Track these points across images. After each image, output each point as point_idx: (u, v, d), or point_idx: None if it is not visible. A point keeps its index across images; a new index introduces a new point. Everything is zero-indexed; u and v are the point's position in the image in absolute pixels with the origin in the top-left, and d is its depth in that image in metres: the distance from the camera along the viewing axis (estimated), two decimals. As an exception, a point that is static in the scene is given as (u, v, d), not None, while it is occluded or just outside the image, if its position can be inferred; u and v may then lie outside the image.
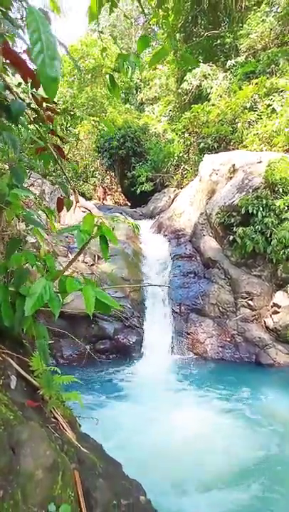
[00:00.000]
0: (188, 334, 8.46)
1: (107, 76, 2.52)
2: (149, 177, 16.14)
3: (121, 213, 13.55)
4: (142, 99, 23.07)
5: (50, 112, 2.96)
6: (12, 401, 1.81)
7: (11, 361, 2.07)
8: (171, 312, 8.78)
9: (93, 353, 7.85)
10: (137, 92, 24.09)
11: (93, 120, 17.95)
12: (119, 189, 20.30)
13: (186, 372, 7.31)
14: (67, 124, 17.35)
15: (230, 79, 15.43)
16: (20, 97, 2.56)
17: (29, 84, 2.24)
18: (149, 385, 6.60)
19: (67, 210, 2.74)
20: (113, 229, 2.38)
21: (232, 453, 4.53)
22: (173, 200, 13.81)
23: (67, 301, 7.96)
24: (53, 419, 2.10)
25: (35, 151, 2.41)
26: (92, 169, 20.83)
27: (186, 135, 15.28)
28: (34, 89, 2.90)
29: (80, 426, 2.35)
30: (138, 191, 15.99)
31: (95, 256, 9.70)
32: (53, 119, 2.96)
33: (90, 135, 18.91)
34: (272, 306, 8.27)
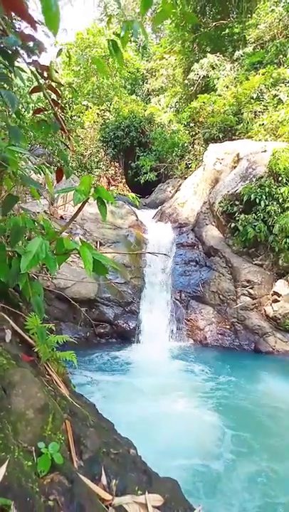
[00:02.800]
0: (188, 321, 8.50)
1: (109, 42, 2.51)
2: (153, 167, 16.11)
3: (124, 202, 13.55)
4: (148, 89, 22.91)
5: (51, 81, 2.97)
6: (6, 351, 1.84)
7: (6, 317, 2.10)
8: (172, 299, 8.81)
9: (93, 337, 7.92)
10: (143, 83, 23.94)
11: (98, 109, 17.88)
12: (123, 180, 20.26)
13: (185, 358, 7.35)
14: (71, 112, 17.31)
15: (238, 69, 15.32)
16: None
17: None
18: (147, 367, 6.65)
19: (66, 178, 2.75)
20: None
21: (218, 427, 4.58)
22: (177, 190, 13.78)
23: (68, 285, 8.02)
24: (47, 376, 2.13)
25: (34, 111, 2.41)
26: (96, 160, 20.81)
27: (192, 125, 15.21)
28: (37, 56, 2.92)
29: (74, 387, 2.38)
30: (142, 181, 15.96)
31: (96, 242, 9.73)
32: (54, 88, 2.98)
33: (95, 125, 18.84)
34: (272, 295, 8.28)
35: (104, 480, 1.59)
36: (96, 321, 8.13)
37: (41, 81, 2.89)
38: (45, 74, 2.87)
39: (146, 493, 1.56)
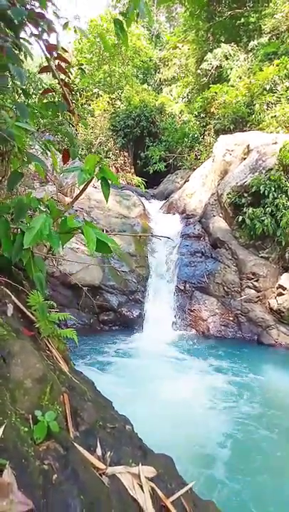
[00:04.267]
0: (192, 311, 8.51)
1: (115, 21, 2.49)
2: (163, 157, 16.02)
3: (132, 192, 13.52)
4: (160, 79, 22.69)
5: (60, 61, 2.96)
6: (7, 324, 1.87)
7: (9, 292, 2.12)
8: (176, 289, 8.83)
9: (97, 324, 7.99)
10: (155, 73, 23.69)
11: (109, 98, 17.75)
12: (132, 170, 20.19)
13: (187, 347, 7.40)
14: (82, 99, 17.23)
15: (252, 60, 15.08)
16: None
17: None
18: (148, 355, 6.71)
19: (73, 159, 2.76)
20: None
21: (215, 415, 4.63)
22: (185, 181, 13.71)
23: (73, 272, 8.06)
24: (48, 351, 2.16)
25: (43, 92, 2.41)
26: (106, 149, 20.74)
27: (203, 116, 15.05)
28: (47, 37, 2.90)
29: (74, 364, 2.41)
30: (151, 171, 15.89)
31: (102, 230, 9.74)
32: (64, 69, 2.96)
33: (105, 113, 18.74)
34: (277, 288, 8.25)
35: (99, 451, 1.62)
36: (100, 308, 8.19)
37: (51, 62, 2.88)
38: (54, 54, 2.86)
39: (140, 465, 1.59)
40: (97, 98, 18.16)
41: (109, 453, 1.62)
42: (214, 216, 10.05)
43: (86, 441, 1.64)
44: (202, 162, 13.76)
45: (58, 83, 2.85)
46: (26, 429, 1.41)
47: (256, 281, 8.49)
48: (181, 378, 5.71)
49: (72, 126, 2.96)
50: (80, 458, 1.44)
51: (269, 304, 8.29)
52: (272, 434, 4.45)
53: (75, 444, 1.52)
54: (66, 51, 2.82)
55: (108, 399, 2.31)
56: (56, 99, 2.87)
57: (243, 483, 3.52)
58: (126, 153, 19.87)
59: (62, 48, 2.71)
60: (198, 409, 4.82)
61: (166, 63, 22.44)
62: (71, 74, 3.17)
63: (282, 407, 5.20)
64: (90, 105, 17.94)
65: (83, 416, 1.74)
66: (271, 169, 8.72)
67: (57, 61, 2.92)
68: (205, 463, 3.81)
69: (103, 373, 5.69)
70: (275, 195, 8.38)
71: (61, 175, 11.39)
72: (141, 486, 1.47)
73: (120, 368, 6.04)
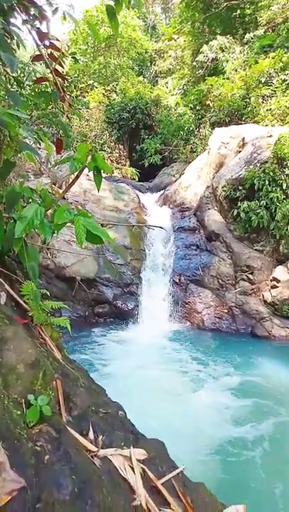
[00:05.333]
0: (186, 304, 8.56)
1: (107, 7, 2.47)
2: (158, 150, 15.96)
3: (128, 185, 13.48)
4: (155, 71, 22.51)
5: (52, 50, 2.94)
6: (0, 312, 1.88)
7: (2, 280, 2.13)
8: (171, 282, 8.86)
9: (92, 316, 8.01)
10: (151, 65, 23.50)
11: (104, 89, 17.61)
12: (128, 163, 20.10)
13: (181, 339, 7.45)
14: (76, 91, 17.07)
15: (247, 53, 15.00)
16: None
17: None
18: (143, 347, 6.76)
19: (66, 149, 2.75)
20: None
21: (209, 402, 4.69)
22: (181, 174, 13.69)
23: (68, 264, 8.06)
24: (41, 339, 2.18)
25: (36, 81, 2.40)
26: (101, 141, 20.61)
27: (198, 108, 15.00)
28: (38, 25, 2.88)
29: (67, 352, 2.43)
30: (146, 164, 15.83)
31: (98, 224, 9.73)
32: (56, 57, 2.95)
33: (101, 105, 18.59)
34: (271, 281, 8.31)
35: (91, 435, 1.64)
36: (95, 300, 8.21)
37: (43, 50, 2.86)
38: (47, 42, 2.85)
39: (132, 448, 1.62)
40: (92, 90, 18.01)
41: (101, 436, 1.65)
42: (209, 209, 10.07)
43: (79, 425, 1.67)
44: (197, 155, 13.74)
45: (51, 72, 2.83)
46: (19, 412, 1.43)
47: (251, 273, 8.55)
48: (175, 370, 5.76)
49: (67, 117, 2.94)
50: (72, 440, 1.47)
51: (263, 296, 8.36)
52: (261, 420, 4.54)
53: (67, 427, 1.54)
54: (58, 40, 2.80)
55: (101, 386, 2.34)
56: (49, 89, 2.85)
57: (236, 466, 3.59)
58: (121, 146, 19.77)
59: (56, 38, 2.69)
60: (189, 400, 4.87)
61: (162, 55, 22.26)
62: (64, 63, 3.15)
63: (273, 396, 5.27)
64: (85, 97, 17.78)
65: (76, 401, 1.77)
66: (266, 162, 8.73)
67: (49, 50, 2.91)
68: (194, 448, 3.88)
69: (97, 363, 5.73)
70: (270, 189, 8.40)
71: (56, 167, 11.34)
72: (132, 468, 1.50)
73: (114, 358, 6.09)
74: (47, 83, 2.77)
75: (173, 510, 1.42)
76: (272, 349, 7.26)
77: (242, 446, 3.99)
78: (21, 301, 2.24)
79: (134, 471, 1.47)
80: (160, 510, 1.38)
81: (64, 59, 3.35)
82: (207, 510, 1.56)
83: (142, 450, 1.63)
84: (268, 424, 4.50)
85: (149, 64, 23.37)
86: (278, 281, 8.14)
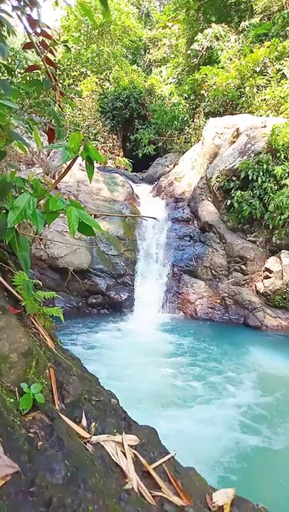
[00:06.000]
0: (180, 294, 8.62)
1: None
2: (152, 141, 15.86)
3: (121, 175, 13.42)
4: (149, 60, 22.25)
5: (44, 37, 2.90)
6: (-7, 301, 1.89)
7: (-6, 270, 2.13)
8: (164, 272, 8.90)
9: (85, 307, 8.04)
10: (145, 53, 23.21)
11: (97, 78, 17.38)
12: (121, 153, 19.96)
13: (174, 329, 7.52)
14: (69, 79, 16.82)
15: (243, 41, 14.88)
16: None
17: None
18: (136, 337, 6.81)
19: (58, 139, 2.73)
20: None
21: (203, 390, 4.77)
22: (175, 165, 13.65)
23: (61, 255, 8.05)
24: (34, 329, 2.19)
25: (27, 69, 2.37)
26: (94, 131, 20.42)
27: (192, 98, 14.89)
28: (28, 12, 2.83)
29: (60, 342, 2.45)
30: (140, 155, 15.74)
31: (91, 215, 9.70)
32: (47, 45, 2.90)
33: (94, 94, 18.36)
34: (264, 271, 8.38)
35: (84, 422, 1.67)
36: (88, 291, 8.23)
37: (34, 38, 2.82)
38: (38, 30, 2.80)
39: (124, 434, 1.65)
40: (84, 78, 17.76)
41: (94, 423, 1.68)
42: (203, 200, 10.07)
43: (72, 413, 1.69)
44: (192, 145, 13.69)
45: (42, 60, 2.79)
46: (12, 400, 1.45)
47: (243, 264, 8.61)
48: (167, 358, 5.84)
49: (59, 106, 2.91)
50: (65, 427, 1.49)
51: (256, 286, 8.44)
52: (251, 405, 4.65)
53: (60, 414, 1.57)
54: (49, 28, 2.76)
55: (94, 375, 2.37)
56: (41, 77, 2.82)
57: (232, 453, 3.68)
58: (115, 136, 19.60)
59: (47, 26, 2.65)
60: (182, 388, 4.95)
61: (156, 43, 21.99)
62: (56, 51, 3.11)
63: (264, 383, 5.38)
64: (77, 86, 17.55)
65: (69, 389, 1.79)
66: (260, 153, 8.74)
67: (41, 37, 2.86)
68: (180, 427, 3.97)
69: (91, 353, 5.78)
70: (264, 179, 8.42)
71: (48, 157, 11.23)
72: (124, 453, 1.53)
73: (107, 348, 6.14)
74: (38, 71, 2.74)
75: (164, 493, 1.45)
76: (265, 339, 7.36)
77: (228, 423, 4.12)
78: (14, 291, 2.25)
79: (126, 457, 1.51)
80: (151, 493, 1.41)
81: (56, 47, 3.31)
82: (197, 493, 1.60)
83: (134, 436, 1.66)
84: (257, 405, 4.62)
85: (143, 52, 23.08)
86: (271, 271, 8.21)
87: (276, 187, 8.39)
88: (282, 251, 8.33)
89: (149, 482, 1.54)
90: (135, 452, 1.59)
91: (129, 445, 1.59)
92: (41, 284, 3.04)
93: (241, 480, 3.34)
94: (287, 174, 8.34)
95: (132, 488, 1.40)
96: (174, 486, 1.57)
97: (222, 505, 1.58)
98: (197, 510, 1.46)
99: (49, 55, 2.92)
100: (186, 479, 1.69)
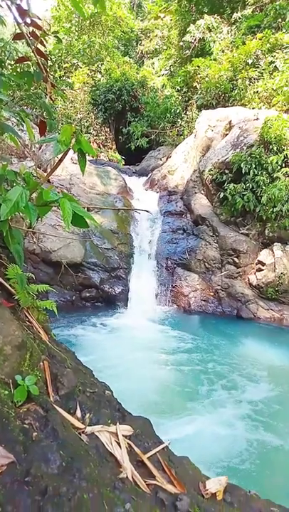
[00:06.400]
0: (173, 287, 8.65)
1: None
2: (145, 133, 15.77)
3: (114, 168, 13.35)
4: (141, 51, 22.03)
5: (34, 28, 2.86)
6: (-14, 295, 1.88)
7: (-13, 264, 2.13)
8: (158, 266, 8.92)
9: (79, 301, 8.04)
10: (137, 44, 22.97)
11: (89, 70, 17.18)
12: (114, 146, 19.84)
13: (168, 322, 7.56)
14: (60, 71, 16.62)
15: (235, 33, 14.79)
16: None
17: None
18: (130, 330, 6.84)
19: (50, 131, 2.72)
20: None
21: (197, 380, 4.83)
22: (168, 158, 13.60)
23: (54, 249, 8.02)
24: (28, 322, 2.20)
25: (17, 60, 2.34)
26: (86, 124, 20.24)
27: (185, 90, 14.81)
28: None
29: (54, 335, 2.46)
30: (133, 147, 15.65)
31: (84, 208, 9.64)
32: (38, 36, 2.87)
33: (86, 86, 18.16)
34: (256, 264, 8.44)
35: (78, 413, 1.69)
36: (82, 285, 8.22)
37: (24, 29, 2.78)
38: (28, 20, 2.76)
39: (118, 424, 1.67)
40: (76, 70, 17.54)
41: (88, 414, 1.69)
42: (196, 193, 10.08)
43: (66, 404, 1.71)
44: (184, 138, 13.65)
45: (32, 51, 2.76)
46: (7, 392, 1.46)
47: (236, 257, 8.66)
48: (160, 350, 5.89)
49: (50, 98, 2.88)
50: (59, 418, 1.51)
51: (249, 279, 8.50)
52: (242, 388, 4.75)
53: (54, 406, 1.58)
54: (39, 18, 2.72)
55: (88, 367, 2.38)
56: (32, 68, 2.78)
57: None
58: (107, 129, 19.44)
59: (37, 16, 2.62)
60: (177, 377, 5.02)
61: (148, 34, 21.75)
62: (46, 42, 3.07)
63: (256, 372, 5.47)
64: (69, 77, 17.34)
65: (63, 381, 1.80)
66: (252, 145, 8.75)
67: (31, 28, 2.83)
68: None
69: (85, 346, 5.80)
70: (256, 172, 8.44)
71: (40, 150, 11.12)
72: (118, 443, 1.55)
73: (101, 340, 6.17)
74: (29, 63, 2.71)
75: (158, 481, 1.48)
76: (257, 330, 7.45)
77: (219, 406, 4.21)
78: (7, 285, 2.24)
79: (120, 446, 1.53)
80: (146, 481, 1.43)
81: (47, 37, 3.26)
82: (191, 481, 1.63)
83: (128, 426, 1.68)
84: (250, 393, 4.72)
85: (134, 44, 22.83)
86: (263, 264, 8.27)
87: (268, 180, 8.42)
88: (274, 243, 8.39)
89: (143, 471, 1.56)
90: (129, 442, 1.62)
91: (123, 435, 1.61)
92: (34, 277, 3.04)
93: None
94: (279, 166, 8.37)
95: (127, 477, 1.42)
96: (167, 474, 1.59)
97: (215, 492, 1.61)
98: (191, 498, 1.48)
99: (40, 46, 2.88)
100: (180, 468, 1.72)
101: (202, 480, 1.72)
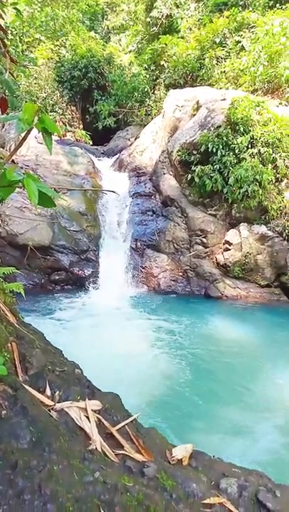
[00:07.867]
0: (143, 268, 8.74)
1: None
2: (112, 112, 15.45)
3: (81, 149, 13.06)
4: (108, 27, 21.32)
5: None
6: None
7: None
8: (128, 247, 8.95)
9: (48, 284, 7.96)
10: (103, 19, 22.17)
11: (53, 45, 16.47)
12: (81, 125, 19.32)
13: (138, 303, 7.67)
14: (22, 46, 15.85)
15: (202, 10, 14.59)
16: None
17: None
18: (101, 311, 6.89)
19: (12, 109, 2.62)
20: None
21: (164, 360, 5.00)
22: (136, 138, 13.45)
23: (21, 232, 7.85)
24: (-6, 305, 2.18)
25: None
26: (52, 102, 19.53)
27: (153, 68, 14.56)
28: None
29: (22, 317, 2.45)
30: (100, 127, 15.33)
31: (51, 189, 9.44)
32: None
33: (50, 62, 17.43)
34: (224, 244, 8.65)
35: (48, 391, 1.72)
36: (51, 268, 8.14)
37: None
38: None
39: (87, 400, 1.72)
40: (39, 45, 16.77)
41: (58, 392, 1.73)
42: (164, 174, 10.09)
43: (35, 384, 1.73)
44: (152, 118, 13.51)
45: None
46: (-26, 373, 1.47)
47: (204, 237, 8.83)
48: (130, 330, 6.00)
49: (11, 74, 2.77)
50: (29, 397, 1.53)
51: (216, 259, 8.71)
52: (208, 365, 4.98)
53: (23, 385, 1.60)
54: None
55: (58, 348, 2.40)
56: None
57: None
58: (74, 108, 18.87)
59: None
60: (144, 354, 5.16)
61: (114, 9, 21.06)
62: (5, 14, 2.92)
63: (221, 346, 5.72)
64: (32, 52, 16.56)
65: (32, 361, 1.82)
66: (220, 126, 8.80)
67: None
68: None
69: (55, 327, 5.82)
70: (223, 153, 8.53)
71: (3, 129, 10.68)
72: (88, 417, 1.60)
73: (71, 321, 6.21)
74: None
75: (126, 451, 1.55)
76: (224, 308, 7.71)
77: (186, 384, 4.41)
78: (-29, 268, 2.21)
79: (89, 420, 1.58)
80: (114, 452, 1.50)
81: (5, 9, 3.11)
82: (158, 450, 1.72)
83: (97, 401, 1.73)
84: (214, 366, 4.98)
85: (100, 18, 22.03)
86: (230, 244, 8.49)
87: (235, 160, 8.54)
88: (241, 224, 8.61)
89: (112, 443, 1.63)
90: (99, 416, 1.67)
91: (92, 410, 1.66)
92: (1, 261, 2.99)
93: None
94: (245, 148, 8.50)
95: (96, 448, 1.48)
96: (136, 444, 1.67)
97: (181, 459, 1.71)
98: (158, 464, 1.56)
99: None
100: (147, 438, 1.79)
101: (169, 448, 1.81)
